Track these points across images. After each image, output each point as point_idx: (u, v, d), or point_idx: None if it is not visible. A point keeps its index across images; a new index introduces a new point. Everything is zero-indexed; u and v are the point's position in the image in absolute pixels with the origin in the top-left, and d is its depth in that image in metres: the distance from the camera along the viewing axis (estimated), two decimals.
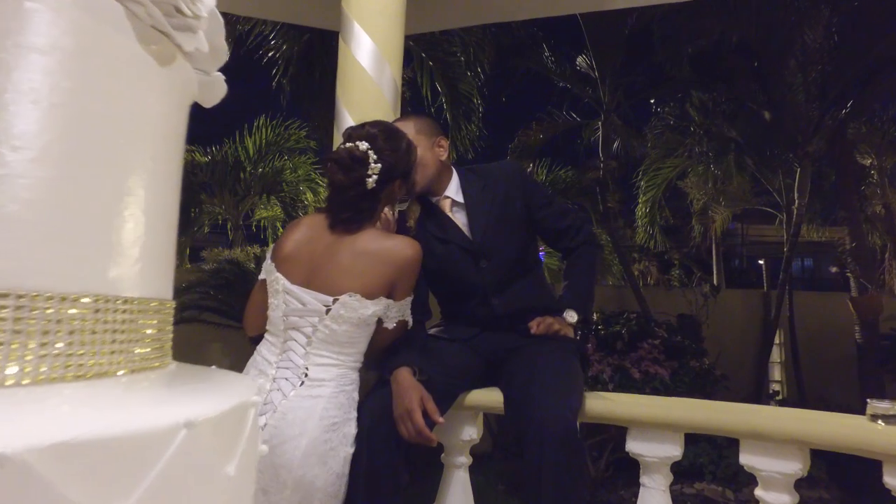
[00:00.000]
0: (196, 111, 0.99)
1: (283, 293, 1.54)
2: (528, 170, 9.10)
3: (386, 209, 1.78)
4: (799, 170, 8.11)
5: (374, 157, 1.55)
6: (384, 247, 1.56)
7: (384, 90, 2.05)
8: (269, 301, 1.58)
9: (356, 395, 1.57)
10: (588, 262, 1.94)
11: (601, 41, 8.19)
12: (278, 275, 1.56)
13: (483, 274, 1.81)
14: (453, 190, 1.87)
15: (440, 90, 7.52)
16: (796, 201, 8.21)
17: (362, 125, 1.65)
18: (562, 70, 8.73)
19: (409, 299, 1.62)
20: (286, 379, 1.50)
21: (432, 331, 1.89)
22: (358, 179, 1.54)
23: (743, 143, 8.03)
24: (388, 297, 1.56)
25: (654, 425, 1.64)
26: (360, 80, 2.03)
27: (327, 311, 1.50)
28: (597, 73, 8.51)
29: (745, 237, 16.46)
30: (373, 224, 1.61)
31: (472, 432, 1.86)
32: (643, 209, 9.25)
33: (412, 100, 7.88)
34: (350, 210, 1.57)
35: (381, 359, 1.67)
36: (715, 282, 11.00)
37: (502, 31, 7.90)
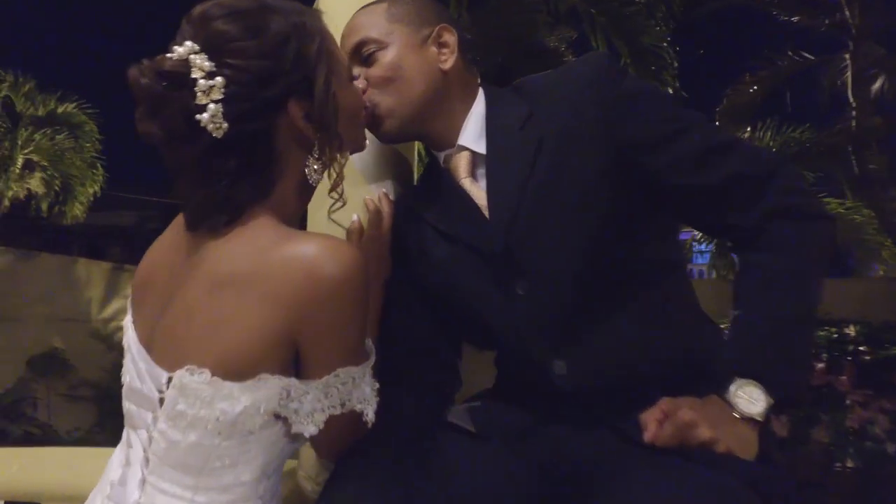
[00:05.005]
0: None
1: (128, 353, 0.84)
2: (746, 135, 7.17)
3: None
4: None
5: (209, 64, 0.72)
6: (270, 260, 0.73)
7: None
8: None
9: None
10: (791, 264, 0.85)
11: None
12: (128, 318, 0.87)
13: (519, 308, 0.90)
14: (472, 135, 0.94)
15: (620, 50, 6.48)
16: None
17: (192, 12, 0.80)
18: None
19: (351, 370, 0.77)
20: None
21: (454, 414, 0.97)
22: (183, 124, 0.73)
23: None
24: (283, 372, 0.73)
25: None
26: None
27: (161, 403, 0.75)
28: None
29: None
30: (274, 212, 0.78)
31: None
32: None
33: None
34: (201, 185, 0.77)
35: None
36: None
37: None
